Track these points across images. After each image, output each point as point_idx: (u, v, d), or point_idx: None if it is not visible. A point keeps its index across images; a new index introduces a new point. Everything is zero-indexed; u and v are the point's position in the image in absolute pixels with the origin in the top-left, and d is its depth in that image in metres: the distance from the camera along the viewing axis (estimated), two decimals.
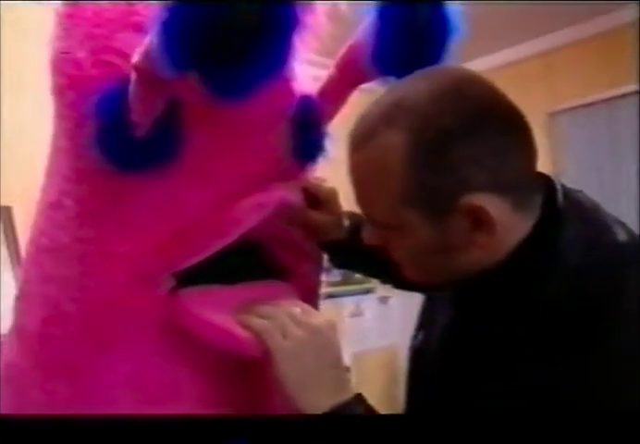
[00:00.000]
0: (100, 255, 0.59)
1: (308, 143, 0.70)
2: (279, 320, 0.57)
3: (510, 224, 0.54)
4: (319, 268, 0.76)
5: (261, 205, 0.61)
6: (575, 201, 0.58)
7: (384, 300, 2.98)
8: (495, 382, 0.53)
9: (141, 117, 0.56)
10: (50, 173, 0.67)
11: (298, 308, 0.59)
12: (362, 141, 0.56)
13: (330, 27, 0.64)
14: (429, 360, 0.65)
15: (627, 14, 2.41)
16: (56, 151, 0.65)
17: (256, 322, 0.58)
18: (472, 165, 0.51)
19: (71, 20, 0.61)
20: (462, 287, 0.60)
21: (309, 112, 0.68)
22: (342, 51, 0.67)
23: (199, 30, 0.46)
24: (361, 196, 0.58)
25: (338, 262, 0.82)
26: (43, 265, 0.64)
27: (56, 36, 0.62)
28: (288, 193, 0.65)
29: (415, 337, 0.71)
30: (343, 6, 0.64)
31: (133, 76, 0.54)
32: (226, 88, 0.50)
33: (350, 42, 0.66)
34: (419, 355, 0.69)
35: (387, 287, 0.90)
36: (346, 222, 0.77)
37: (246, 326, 0.58)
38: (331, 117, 0.71)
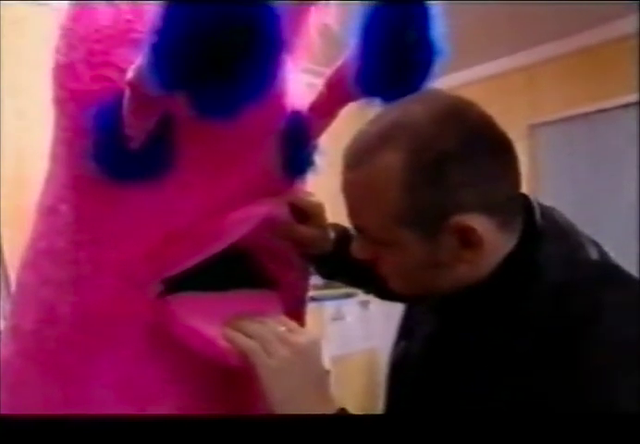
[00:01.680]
0: (93, 260, 0.62)
1: (297, 158, 0.72)
2: (265, 338, 0.58)
3: (496, 242, 0.57)
4: (305, 277, 0.79)
5: (248, 218, 0.64)
6: (551, 219, 0.61)
7: (365, 304, 3.01)
8: (474, 393, 0.55)
9: (135, 130, 0.58)
10: (48, 178, 0.69)
11: (283, 327, 0.60)
12: (358, 159, 0.57)
13: (321, 42, 0.67)
14: (410, 369, 0.67)
15: (611, 30, 2.45)
16: (55, 157, 0.67)
17: (242, 340, 0.59)
18: (465, 187, 0.54)
19: (74, 35, 0.64)
20: (447, 300, 0.62)
21: (299, 127, 0.71)
22: (331, 69, 0.70)
23: (186, 51, 0.47)
24: (354, 212, 0.60)
25: (325, 273, 0.85)
26: (40, 268, 0.67)
27: (59, 49, 0.65)
28: (274, 208, 0.68)
29: (396, 346, 0.74)
30: (333, 24, 0.67)
31: (127, 91, 0.56)
32: (213, 108, 0.52)
33: (339, 60, 0.69)
34: (399, 365, 0.71)
35: None
36: (332, 234, 0.80)
37: (232, 343, 0.59)
38: (321, 131, 0.74)
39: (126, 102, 0.57)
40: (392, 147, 0.55)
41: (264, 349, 0.57)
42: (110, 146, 0.59)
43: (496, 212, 0.56)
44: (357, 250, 0.64)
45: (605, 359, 0.51)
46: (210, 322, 0.63)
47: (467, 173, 0.54)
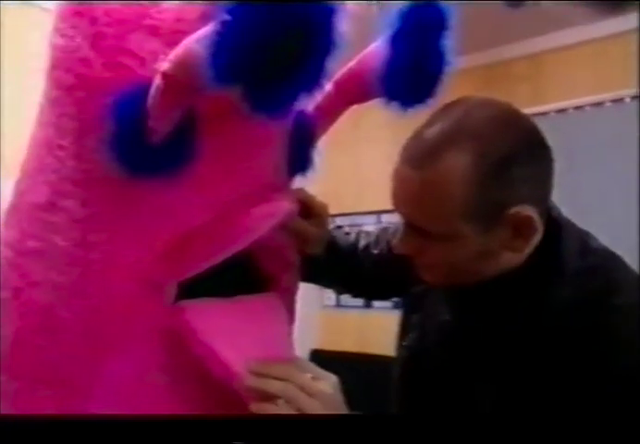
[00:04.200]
0: (106, 262, 0.57)
1: (301, 158, 0.72)
2: (292, 397, 0.57)
3: (539, 231, 0.62)
4: (298, 279, 0.79)
5: (272, 215, 0.63)
6: (560, 212, 0.67)
7: None
8: (505, 375, 0.60)
9: (161, 124, 0.55)
10: (35, 171, 0.63)
11: (309, 374, 0.59)
12: (423, 160, 0.60)
13: None
14: (429, 358, 0.70)
15: (612, 25, 2.57)
16: (50, 147, 0.61)
17: (274, 409, 0.57)
18: (523, 182, 0.60)
19: (79, 18, 0.59)
20: (471, 290, 0.66)
21: (304, 127, 0.70)
22: (342, 70, 0.70)
23: (251, 46, 0.46)
24: (411, 208, 0.62)
25: (306, 275, 0.85)
26: (25, 269, 0.60)
27: (61, 32, 0.59)
28: (292, 204, 0.67)
29: (402, 341, 0.76)
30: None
31: (159, 83, 0.53)
32: (267, 104, 0.50)
33: (351, 63, 0.69)
34: (413, 356, 0.74)
35: None
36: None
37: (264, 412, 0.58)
38: (323, 131, 0.74)
39: (155, 93, 0.53)
40: (459, 149, 0.59)
41: (295, 409, 0.56)
42: (130, 139, 0.55)
43: (539, 204, 0.62)
44: (401, 244, 0.66)
45: (629, 326, 0.58)
46: (227, 338, 0.61)
47: (526, 171, 0.60)
